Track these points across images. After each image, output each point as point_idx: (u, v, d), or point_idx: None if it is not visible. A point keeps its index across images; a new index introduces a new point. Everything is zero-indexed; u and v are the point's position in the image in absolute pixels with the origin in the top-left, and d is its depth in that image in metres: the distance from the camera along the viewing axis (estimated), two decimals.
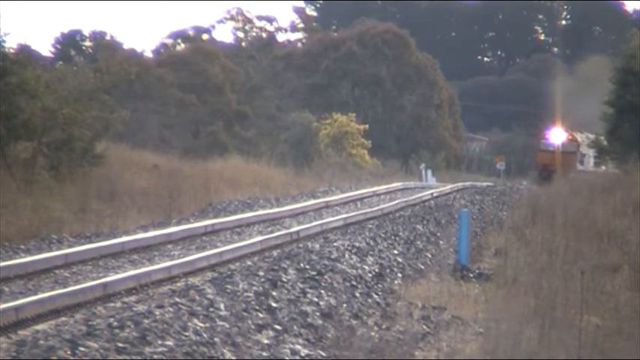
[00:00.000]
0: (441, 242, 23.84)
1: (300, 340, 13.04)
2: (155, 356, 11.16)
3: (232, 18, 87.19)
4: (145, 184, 33.88)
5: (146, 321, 12.34)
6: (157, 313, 12.81)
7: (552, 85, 54.34)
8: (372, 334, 13.91)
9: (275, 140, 69.72)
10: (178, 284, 16.41)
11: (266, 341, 12.61)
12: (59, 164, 32.71)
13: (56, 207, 26.99)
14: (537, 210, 27.05)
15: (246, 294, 14.66)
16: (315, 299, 15.20)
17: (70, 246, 20.76)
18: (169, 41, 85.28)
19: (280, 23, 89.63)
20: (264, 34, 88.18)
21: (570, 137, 56.26)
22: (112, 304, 14.55)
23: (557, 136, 56.00)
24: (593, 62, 68.33)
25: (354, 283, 17.20)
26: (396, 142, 78.63)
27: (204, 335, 12.16)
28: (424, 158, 71.53)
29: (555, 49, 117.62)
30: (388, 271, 19.37)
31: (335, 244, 21.10)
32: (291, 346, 12.60)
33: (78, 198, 29.49)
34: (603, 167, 47.84)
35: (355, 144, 68.52)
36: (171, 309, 13.13)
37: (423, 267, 20.60)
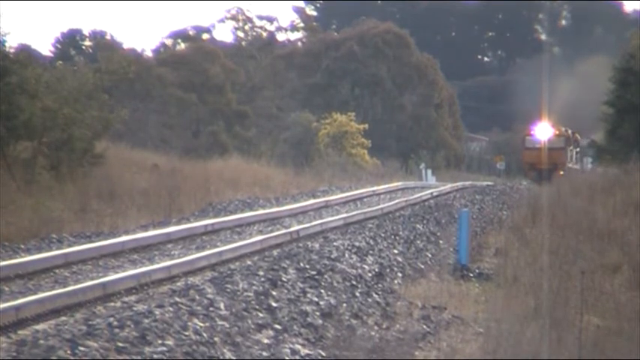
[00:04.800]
0: (441, 242, 23.85)
1: (300, 340, 13.04)
2: (155, 356, 11.16)
3: (232, 18, 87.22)
4: (144, 184, 33.86)
5: (146, 320, 12.33)
6: (157, 312, 12.81)
7: (540, 80, 53.39)
8: (372, 333, 13.91)
9: (275, 140, 69.73)
10: (178, 284, 16.41)
11: (266, 341, 12.61)
12: (59, 164, 32.70)
13: (56, 207, 26.98)
14: (537, 210, 27.05)
15: (246, 293, 14.67)
16: (315, 299, 15.21)
17: (70, 245, 20.76)
18: (169, 41, 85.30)
19: (280, 23, 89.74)
20: (264, 34, 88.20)
21: (557, 132, 54.76)
22: (111, 304, 14.54)
23: (543, 131, 54.35)
24: (593, 62, 68.31)
25: (354, 282, 17.20)
26: (396, 142, 78.63)
27: (204, 335, 12.16)
28: (424, 158, 71.54)
29: (555, 49, 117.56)
30: (388, 270, 19.37)
31: (335, 243, 21.10)
32: (291, 345, 12.60)
33: (78, 198, 29.49)
34: (599, 169, 46.71)
35: (355, 144, 68.52)
36: (171, 308, 13.13)
37: (423, 266, 20.60)
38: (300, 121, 69.04)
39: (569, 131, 56.58)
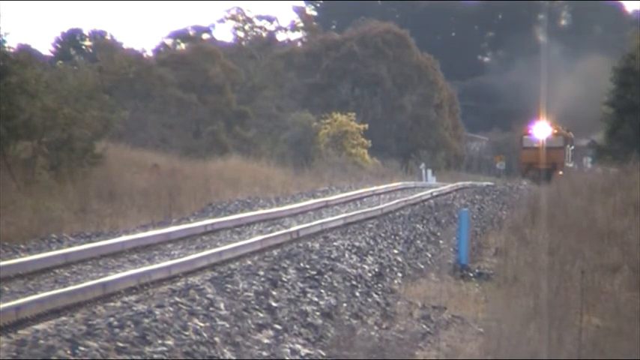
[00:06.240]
0: (440, 242, 23.84)
1: (300, 340, 13.04)
2: (155, 356, 11.15)
3: (232, 18, 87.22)
4: (144, 184, 33.87)
5: (146, 320, 12.33)
6: (157, 312, 12.81)
7: (538, 79, 53.15)
8: (372, 333, 13.91)
9: (275, 140, 69.74)
10: (178, 284, 16.41)
11: (266, 341, 12.61)
12: (59, 164, 32.71)
13: (56, 207, 26.98)
14: (537, 210, 27.04)
15: (246, 293, 14.66)
16: (315, 299, 15.20)
17: (70, 245, 20.76)
18: (169, 41, 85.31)
19: (280, 23, 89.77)
20: (264, 34, 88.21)
21: (556, 131, 54.41)
22: (111, 304, 14.54)
23: (541, 130, 53.97)
24: (593, 62, 68.30)
25: (354, 282, 17.20)
26: (396, 142, 78.66)
27: (204, 335, 12.16)
28: (424, 158, 71.56)
29: (555, 49, 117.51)
30: (388, 270, 19.37)
31: (335, 243, 21.10)
32: (291, 345, 12.60)
33: (78, 198, 29.49)
34: (599, 169, 46.39)
35: (355, 144, 68.55)
36: (171, 308, 13.13)
37: (422, 266, 20.60)
38: (300, 121, 69.07)
39: (565, 129, 56.46)
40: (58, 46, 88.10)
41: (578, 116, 58.33)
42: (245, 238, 23.03)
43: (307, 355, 12.35)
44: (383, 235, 23.79)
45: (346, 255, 19.56)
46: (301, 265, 17.54)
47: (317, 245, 20.74)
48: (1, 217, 24.00)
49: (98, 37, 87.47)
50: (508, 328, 13.40)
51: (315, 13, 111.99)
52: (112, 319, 12.45)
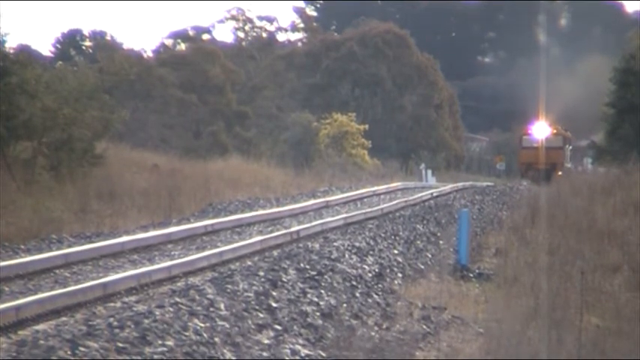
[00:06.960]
0: (441, 242, 23.84)
1: (300, 340, 13.04)
2: (155, 356, 11.16)
3: (233, 18, 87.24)
4: (145, 184, 33.86)
5: (146, 321, 12.33)
6: (157, 313, 12.81)
7: (538, 79, 52.88)
8: (372, 334, 13.92)
9: (275, 140, 69.74)
10: (178, 284, 16.41)
11: (266, 341, 12.61)
12: (59, 164, 32.72)
13: (56, 207, 26.98)
14: (537, 210, 27.05)
15: (246, 294, 14.67)
16: (315, 299, 15.21)
17: (70, 246, 20.76)
18: (169, 41, 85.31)
19: (280, 23, 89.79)
20: (264, 34, 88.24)
21: (555, 131, 54.29)
22: (112, 304, 14.54)
23: (540, 130, 53.85)
24: (593, 62, 68.29)
25: (354, 283, 17.20)
26: (396, 143, 78.64)
27: (205, 335, 12.16)
28: (424, 158, 71.55)
29: (555, 49, 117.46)
30: (388, 270, 19.37)
31: (335, 243, 21.10)
32: (291, 346, 12.60)
33: (78, 198, 29.49)
34: (600, 169, 46.30)
35: (355, 144, 68.53)
36: (171, 309, 13.13)
37: (423, 267, 20.60)
38: (300, 121, 69.08)
39: (563, 129, 56.41)
40: (58, 46, 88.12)
41: (578, 116, 58.31)
42: (245, 238, 23.04)
43: (307, 355, 12.36)
44: (383, 235, 23.79)
45: (346, 255, 19.56)
46: (301, 265, 17.54)
47: (317, 246, 20.74)
48: (1, 217, 24.01)
49: (98, 37, 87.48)
50: (508, 329, 13.41)
51: (315, 14, 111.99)
52: (112, 319, 12.45)
